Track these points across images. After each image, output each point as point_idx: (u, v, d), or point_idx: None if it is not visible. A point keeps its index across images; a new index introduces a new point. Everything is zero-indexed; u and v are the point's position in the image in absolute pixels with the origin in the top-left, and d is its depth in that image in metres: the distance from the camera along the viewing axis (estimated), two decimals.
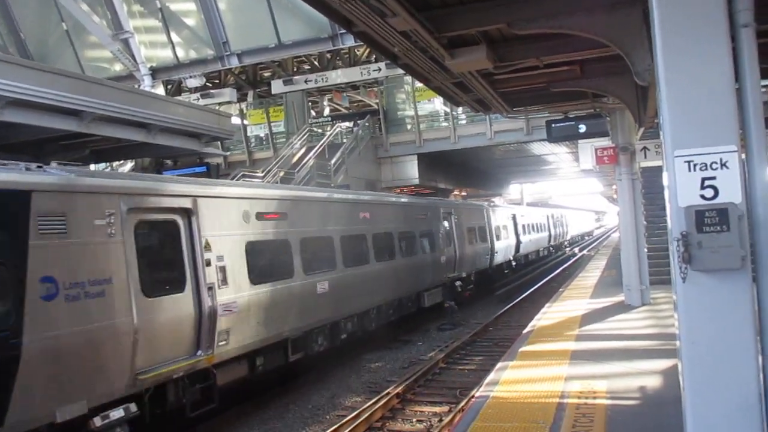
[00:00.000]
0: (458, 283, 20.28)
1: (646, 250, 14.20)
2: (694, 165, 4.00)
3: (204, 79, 25.32)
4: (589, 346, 10.32)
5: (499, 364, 9.63)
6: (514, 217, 29.96)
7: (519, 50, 9.05)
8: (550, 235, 40.02)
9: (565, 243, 49.06)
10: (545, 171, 43.87)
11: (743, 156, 4.08)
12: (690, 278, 4.01)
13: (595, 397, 7.51)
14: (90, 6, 23.95)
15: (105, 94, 14.80)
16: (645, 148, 13.30)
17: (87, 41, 25.65)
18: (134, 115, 15.44)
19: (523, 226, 31.43)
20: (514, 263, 29.74)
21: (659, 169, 17.27)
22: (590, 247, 52.41)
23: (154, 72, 24.83)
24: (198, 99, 26.40)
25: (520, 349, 10.44)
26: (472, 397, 9.77)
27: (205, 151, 19.77)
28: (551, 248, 42.17)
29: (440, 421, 9.70)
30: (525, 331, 12.16)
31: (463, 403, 10.14)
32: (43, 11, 25.44)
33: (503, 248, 27.10)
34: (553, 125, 13.43)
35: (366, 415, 9.79)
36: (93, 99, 14.23)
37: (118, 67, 25.39)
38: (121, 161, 23.51)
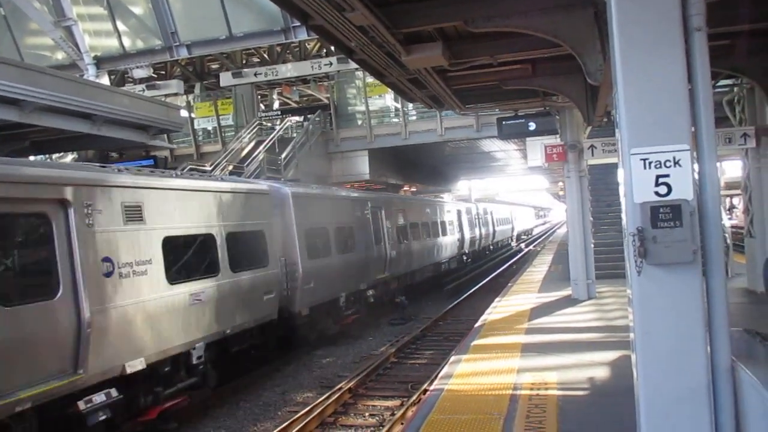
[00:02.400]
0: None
1: (592, 245, 14.61)
2: (649, 163, 4.15)
3: (151, 70, 24.68)
4: (539, 339, 10.57)
5: (453, 358, 9.76)
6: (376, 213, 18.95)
7: (474, 48, 9.19)
8: (462, 240, 29.69)
9: (490, 246, 39.63)
10: (494, 167, 44.50)
11: (695, 154, 4.25)
12: (645, 272, 4.16)
13: (546, 388, 7.71)
14: None
15: (47, 83, 14.29)
16: (593, 146, 13.68)
17: (26, 28, 24.60)
18: (78, 105, 14.97)
19: (400, 227, 20.77)
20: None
21: (606, 166, 17.95)
22: (534, 243, 52.18)
23: (99, 61, 24.03)
24: (143, 90, 25.69)
25: (473, 343, 10.60)
26: (425, 390, 9.89)
27: (152, 144, 19.32)
28: (465, 257, 31.39)
29: (392, 415, 9.76)
30: (476, 325, 12.35)
31: (414, 397, 10.24)
32: None
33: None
34: (504, 122, 13.69)
35: (318, 410, 9.77)
36: (34, 88, 13.73)
37: (60, 56, 24.47)
38: (63, 153, 22.77)
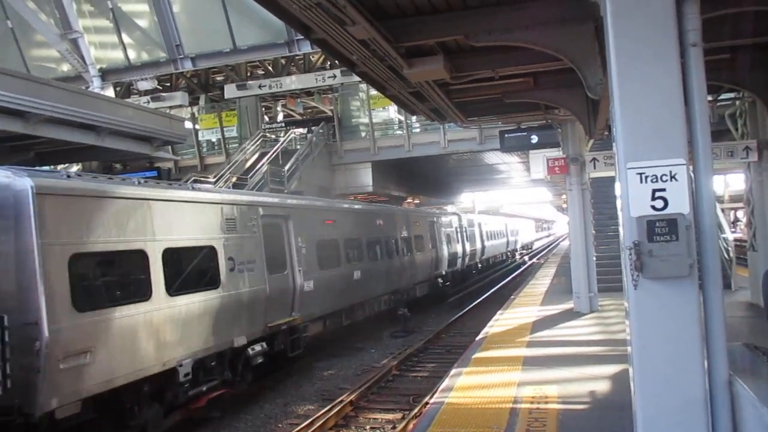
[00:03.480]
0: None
1: (594, 258, 14.59)
2: (646, 177, 4.17)
3: (156, 82, 24.87)
4: (540, 352, 10.54)
5: (453, 371, 9.74)
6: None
7: (475, 62, 9.24)
8: (436, 258, 23.86)
9: (478, 265, 32.84)
10: (497, 180, 44.59)
11: (691, 168, 4.27)
12: (641, 285, 4.17)
13: (547, 402, 7.68)
14: (37, 4, 23.26)
15: (52, 95, 14.42)
16: (594, 159, 13.70)
17: (33, 40, 24.86)
18: (82, 117, 15.08)
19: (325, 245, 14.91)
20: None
21: (608, 179, 17.92)
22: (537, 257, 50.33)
23: (104, 73, 24.25)
24: (148, 102, 25.90)
25: (474, 356, 10.58)
26: (426, 403, 9.85)
27: (156, 155, 19.42)
28: (441, 280, 24.82)
29: (394, 428, 9.73)
30: (478, 338, 12.33)
31: (416, 410, 10.20)
32: None
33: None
34: (506, 135, 13.74)
35: (319, 422, 9.74)
36: (39, 100, 13.85)
37: (65, 68, 24.69)
38: (67, 164, 22.89)
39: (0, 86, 13.01)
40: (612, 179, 15.26)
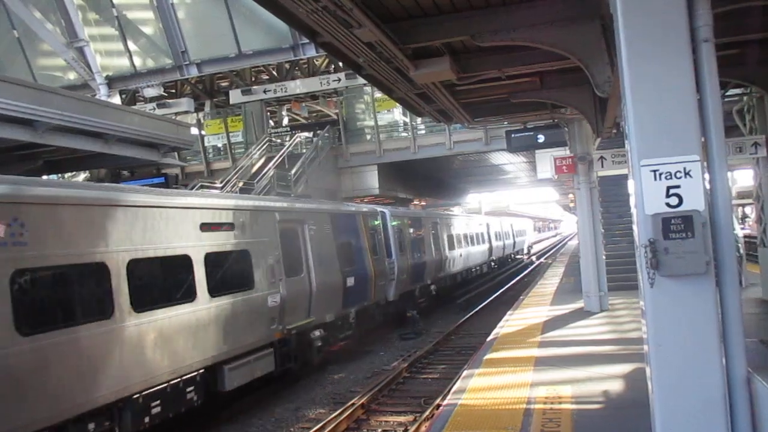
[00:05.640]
0: None
1: (604, 257, 14.53)
2: (660, 174, 4.14)
3: (162, 89, 24.97)
4: (552, 352, 10.49)
5: (465, 372, 9.70)
6: None
7: (481, 62, 9.24)
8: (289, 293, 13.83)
9: (431, 289, 22.20)
10: (504, 180, 44.55)
11: (705, 164, 4.24)
12: (657, 283, 4.14)
13: (560, 402, 7.64)
14: (43, 13, 23.39)
15: (59, 104, 14.46)
16: (602, 157, 13.65)
17: (39, 49, 25.02)
18: (90, 124, 15.13)
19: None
20: None
21: (616, 177, 17.88)
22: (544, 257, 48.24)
23: (110, 81, 24.38)
24: (154, 109, 26.00)
25: (485, 357, 10.54)
26: (438, 405, 9.83)
27: (163, 162, 19.48)
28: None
29: (406, 430, 9.71)
30: (489, 339, 12.28)
31: (427, 412, 10.17)
32: None
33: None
34: (512, 135, 13.72)
35: (331, 426, 9.72)
36: (47, 108, 13.89)
37: (72, 76, 24.82)
38: (75, 172, 22.99)
39: (8, 95, 13.06)
40: (621, 177, 15.17)
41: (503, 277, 32.20)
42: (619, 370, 8.90)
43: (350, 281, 14.67)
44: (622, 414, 7.10)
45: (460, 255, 26.97)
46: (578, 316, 13.73)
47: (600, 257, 14.06)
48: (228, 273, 10.35)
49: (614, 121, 11.27)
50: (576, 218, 16.11)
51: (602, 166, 13.68)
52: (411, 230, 20.62)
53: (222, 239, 10.28)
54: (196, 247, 9.60)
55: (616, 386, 8.25)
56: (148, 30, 24.22)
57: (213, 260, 9.94)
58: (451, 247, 25.40)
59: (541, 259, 46.71)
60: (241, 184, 22.26)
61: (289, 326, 11.87)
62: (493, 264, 36.13)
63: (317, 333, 13.10)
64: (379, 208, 18.57)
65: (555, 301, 16.69)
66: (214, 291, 9.77)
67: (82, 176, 23.81)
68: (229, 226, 10.53)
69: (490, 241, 34.49)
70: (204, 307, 9.53)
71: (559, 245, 68.12)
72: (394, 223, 18.86)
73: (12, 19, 24.13)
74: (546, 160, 19.32)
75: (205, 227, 9.90)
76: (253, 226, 11.08)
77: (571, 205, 36.99)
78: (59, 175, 21.15)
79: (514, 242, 44.38)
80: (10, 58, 25.32)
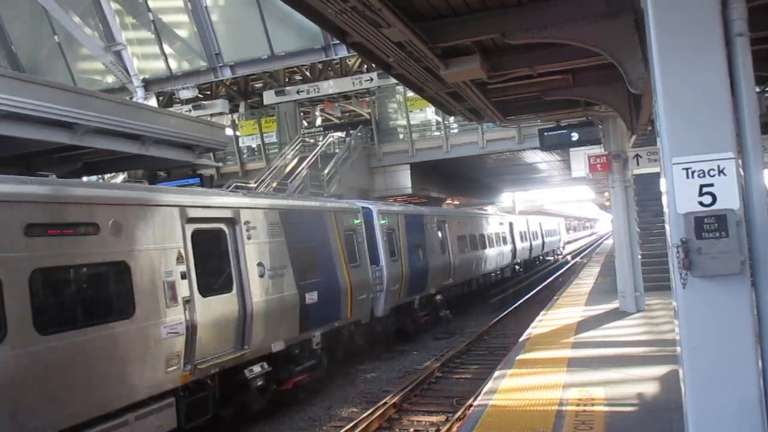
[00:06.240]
0: None
1: (640, 256, 14.28)
2: (692, 172, 4.05)
3: (197, 91, 25.34)
4: (585, 353, 10.35)
5: (497, 373, 9.64)
6: None
7: (512, 60, 9.14)
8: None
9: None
10: (537, 179, 44.09)
11: (740, 162, 4.13)
12: (690, 284, 4.04)
13: (593, 404, 7.53)
14: (82, 18, 23.94)
15: (98, 107, 14.74)
16: (638, 155, 13.41)
17: (79, 53, 25.63)
18: (127, 127, 15.39)
19: None
20: None
21: (652, 175, 17.50)
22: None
23: (147, 84, 24.82)
24: (190, 110, 26.42)
25: (517, 357, 10.45)
26: (470, 406, 9.77)
27: (199, 163, 19.73)
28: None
29: (437, 430, 9.69)
30: (521, 339, 12.18)
31: (460, 412, 10.13)
32: (35, 24, 25.43)
33: None
34: (545, 134, 13.56)
35: (363, 425, 9.75)
36: (86, 111, 14.17)
37: (110, 79, 25.35)
38: (114, 173, 23.47)
39: (50, 99, 13.37)
40: (657, 175, 14.82)
41: (533, 280, 31.13)
42: (654, 372, 8.73)
43: (311, 297, 11.58)
44: (656, 417, 6.97)
45: (476, 258, 24.37)
46: (613, 316, 13.52)
47: (636, 257, 13.82)
48: (82, 297, 7.44)
49: (649, 118, 11.05)
50: (611, 217, 15.85)
51: (638, 164, 13.45)
52: (408, 231, 17.50)
53: (71, 248, 7.16)
54: (12, 260, 6.48)
55: (651, 389, 8.10)
56: (182, 33, 24.59)
57: (49, 280, 6.98)
58: (464, 249, 22.60)
59: (576, 259, 46.04)
60: (274, 185, 22.45)
61: (205, 364, 8.71)
62: (517, 267, 33.52)
63: (257, 369, 10.00)
64: (361, 204, 15.62)
65: (590, 301, 16.47)
66: (49, 326, 6.69)
67: (120, 177, 24.31)
68: (90, 229, 7.42)
69: (513, 242, 31.67)
70: (22, 351, 6.36)
71: (595, 244, 67.16)
72: (384, 221, 16.04)
73: (53, 24, 24.77)
74: (580, 159, 19.04)
75: (37, 230, 6.79)
76: (137, 227, 7.97)
77: (607, 203, 36.27)
78: (99, 176, 21.67)
79: (543, 243, 41.45)
80: (51, 62, 26.00)
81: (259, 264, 10.20)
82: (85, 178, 18.34)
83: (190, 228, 8.83)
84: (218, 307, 9.16)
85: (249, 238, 10.03)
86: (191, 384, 8.60)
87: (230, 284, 9.60)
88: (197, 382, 8.74)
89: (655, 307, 13.85)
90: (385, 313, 15.36)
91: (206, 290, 8.93)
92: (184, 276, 8.49)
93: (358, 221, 14.51)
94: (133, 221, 7.96)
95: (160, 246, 8.26)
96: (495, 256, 27.47)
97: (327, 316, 12.38)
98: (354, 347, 14.13)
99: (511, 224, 32.08)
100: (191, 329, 8.44)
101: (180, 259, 8.50)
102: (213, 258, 9.52)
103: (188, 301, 8.49)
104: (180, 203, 8.83)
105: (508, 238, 30.71)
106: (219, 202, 9.90)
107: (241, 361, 9.62)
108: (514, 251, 31.67)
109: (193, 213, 8.95)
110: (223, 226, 9.75)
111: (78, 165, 16.77)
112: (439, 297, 19.18)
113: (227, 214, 9.83)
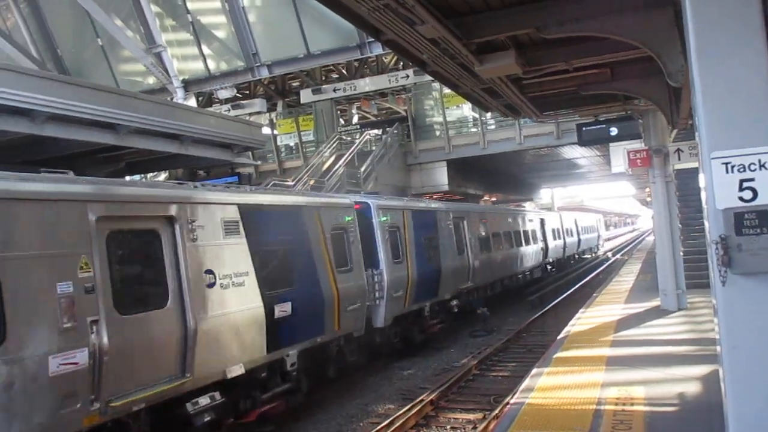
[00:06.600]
0: None
1: (681, 253, 13.97)
2: (732, 167, 3.95)
3: (235, 90, 25.70)
4: (625, 351, 10.19)
5: (534, 371, 9.55)
6: None
7: (548, 54, 9.03)
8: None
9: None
10: (576, 175, 43.43)
11: None
12: (729, 281, 3.95)
13: (632, 404, 7.41)
14: (124, 21, 24.51)
15: (139, 107, 15.09)
16: (679, 149, 13.12)
17: (121, 55, 26.27)
18: (167, 127, 15.72)
19: None
20: None
21: (694, 170, 17.07)
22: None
23: (186, 84, 25.27)
24: (229, 110, 26.81)
25: (555, 355, 10.34)
26: (507, 404, 9.71)
27: (238, 161, 20.02)
28: None
29: (474, 428, 9.65)
30: (559, 337, 12.04)
31: (497, 410, 10.06)
32: (79, 27, 26.16)
33: None
34: (583, 129, 13.34)
35: (399, 422, 9.77)
36: (128, 112, 14.53)
37: (151, 80, 25.90)
38: (155, 172, 23.97)
39: (94, 101, 13.74)
40: (698, 170, 14.53)
41: (570, 278, 29.88)
42: (696, 372, 8.54)
43: (282, 309, 9.71)
44: (697, 417, 6.82)
45: (501, 258, 22.51)
46: (654, 314, 13.26)
47: (677, 253, 13.52)
48: None
49: (689, 112, 10.78)
50: (652, 213, 15.54)
51: (679, 159, 13.15)
52: (416, 229, 15.48)
53: None
54: None
55: (692, 388, 7.93)
56: (220, 34, 24.97)
57: None
58: (486, 248, 20.73)
59: (617, 256, 45.25)
60: (312, 182, 22.63)
61: (121, 400, 6.85)
62: (549, 267, 31.58)
63: (204, 401, 8.13)
64: (356, 198, 13.92)
65: (630, 299, 16.19)
66: None
67: (162, 176, 24.83)
68: None
69: (545, 240, 29.63)
70: None
71: (636, 241, 65.92)
72: (385, 218, 14.01)
73: (96, 27, 25.42)
74: (620, 154, 18.68)
75: None
76: (15, 227, 6.18)
77: (648, 199, 35.38)
78: (141, 176, 22.15)
79: (579, 240, 39.03)
80: (95, 65, 26.70)
81: (208, 272, 8.32)
82: (127, 178, 18.78)
83: (103, 228, 6.96)
84: (144, 327, 7.32)
85: (194, 240, 8.15)
86: (109, 424, 6.88)
87: (164, 298, 7.70)
88: (117, 422, 7.01)
89: (698, 305, 13.53)
90: (387, 323, 13.56)
91: (126, 307, 7.13)
92: (90, 290, 6.60)
93: (349, 218, 12.47)
94: (6, 220, 6.08)
95: (50, 252, 6.39)
96: (524, 255, 25.77)
97: (305, 330, 10.47)
98: (343, 365, 12.27)
99: (542, 221, 30.07)
100: (99, 357, 6.55)
101: (85, 268, 6.62)
102: (139, 265, 7.77)
103: (95, 322, 6.58)
104: (86, 197, 6.93)
105: (539, 236, 28.89)
106: (149, 195, 8.02)
107: (181, 392, 7.71)
108: (545, 250, 29.84)
109: (107, 210, 7.08)
110: (156, 225, 7.80)
111: (121, 165, 17.19)
112: (455, 302, 17.43)
113: (162, 210, 7.89)
